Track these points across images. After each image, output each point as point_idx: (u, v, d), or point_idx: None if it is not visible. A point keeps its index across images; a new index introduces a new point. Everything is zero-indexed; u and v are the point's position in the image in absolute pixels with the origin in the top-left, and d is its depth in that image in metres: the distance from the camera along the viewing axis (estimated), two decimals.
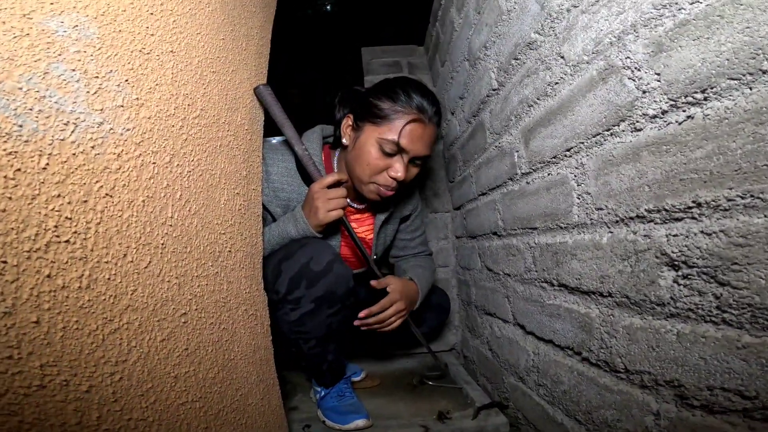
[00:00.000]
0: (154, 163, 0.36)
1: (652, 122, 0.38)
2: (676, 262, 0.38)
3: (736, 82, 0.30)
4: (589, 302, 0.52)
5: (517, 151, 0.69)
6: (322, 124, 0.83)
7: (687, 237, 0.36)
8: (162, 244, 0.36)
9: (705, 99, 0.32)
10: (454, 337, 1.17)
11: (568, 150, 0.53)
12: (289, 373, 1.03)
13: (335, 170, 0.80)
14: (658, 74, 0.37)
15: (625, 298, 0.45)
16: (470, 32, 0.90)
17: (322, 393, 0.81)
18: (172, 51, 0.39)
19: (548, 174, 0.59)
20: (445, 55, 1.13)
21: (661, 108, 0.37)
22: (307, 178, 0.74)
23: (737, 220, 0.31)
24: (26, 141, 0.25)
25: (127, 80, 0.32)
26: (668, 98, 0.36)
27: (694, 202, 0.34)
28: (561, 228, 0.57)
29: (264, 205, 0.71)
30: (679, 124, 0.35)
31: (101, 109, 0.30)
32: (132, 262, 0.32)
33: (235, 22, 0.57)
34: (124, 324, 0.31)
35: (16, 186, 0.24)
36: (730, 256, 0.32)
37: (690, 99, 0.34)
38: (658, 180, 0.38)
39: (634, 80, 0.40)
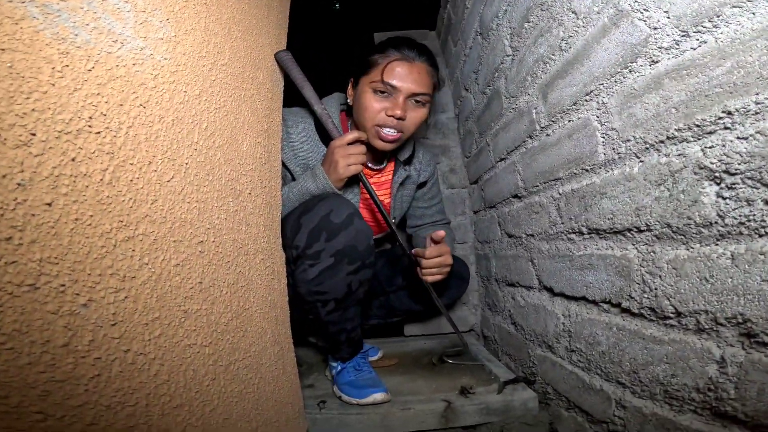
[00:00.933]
0: (185, 91, 0.37)
1: (667, 53, 0.39)
2: (717, 173, 0.36)
3: (738, 9, 0.33)
4: (625, 243, 0.48)
5: (535, 108, 0.68)
6: (339, 92, 0.84)
7: (723, 146, 0.35)
8: (186, 164, 0.36)
9: (714, 27, 0.35)
10: (473, 317, 1.13)
11: (588, 94, 0.53)
12: (305, 353, 1.01)
13: None
14: (666, 12, 0.39)
15: (667, 228, 0.42)
16: (482, 6, 0.91)
17: (339, 368, 0.79)
18: (205, 3, 0.42)
19: (569, 121, 0.58)
20: (457, 34, 1.13)
21: (674, 39, 0.39)
22: (326, 140, 0.75)
23: None
24: (78, 47, 0.26)
25: (168, 19, 0.35)
26: (679, 30, 0.38)
27: (724, 112, 0.34)
28: (587, 171, 0.54)
29: (284, 162, 0.72)
30: (695, 50, 0.37)
31: (145, 37, 0.32)
32: (156, 171, 0.32)
33: None
34: (140, 234, 0.29)
35: (61, 77, 0.25)
36: None
37: (700, 28, 0.36)
38: (684, 101, 0.38)
39: (644, 20, 0.42)
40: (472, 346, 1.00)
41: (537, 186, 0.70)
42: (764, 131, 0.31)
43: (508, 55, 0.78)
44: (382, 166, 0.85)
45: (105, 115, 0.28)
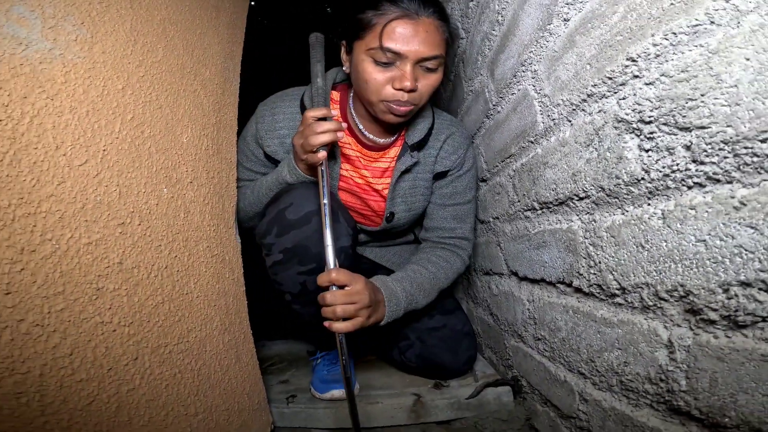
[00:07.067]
0: (104, 86, 0.39)
1: (574, 7, 0.40)
2: (633, 123, 0.33)
3: None
4: (569, 213, 0.45)
5: (487, 87, 0.67)
6: (337, 68, 0.71)
7: (635, 94, 0.33)
8: (104, 150, 0.38)
9: None
10: None
11: (523, 64, 0.52)
12: (287, 349, 1.02)
13: (351, 108, 0.68)
14: None
15: (601, 192, 0.38)
16: None
17: (318, 358, 0.77)
18: (131, 7, 0.45)
19: (512, 94, 0.57)
20: None
21: None
22: None
23: (672, 60, 0.29)
24: None
25: (83, 23, 0.38)
26: None
27: (628, 59, 0.33)
28: (532, 142, 0.52)
29: (272, 157, 0.66)
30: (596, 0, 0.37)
31: (54, 39, 0.35)
32: (65, 155, 0.34)
33: None
34: (42, 212, 0.30)
35: None
36: (679, 93, 0.29)
37: None
38: (595, 55, 0.38)
39: None
40: None
41: (497, 166, 0.67)
42: (668, 72, 0.29)
43: (462, 38, 0.78)
44: (392, 139, 0.67)
45: (6, 105, 0.30)
